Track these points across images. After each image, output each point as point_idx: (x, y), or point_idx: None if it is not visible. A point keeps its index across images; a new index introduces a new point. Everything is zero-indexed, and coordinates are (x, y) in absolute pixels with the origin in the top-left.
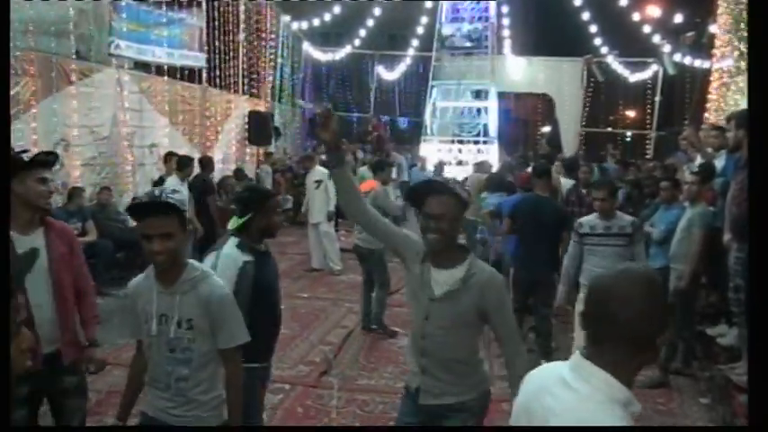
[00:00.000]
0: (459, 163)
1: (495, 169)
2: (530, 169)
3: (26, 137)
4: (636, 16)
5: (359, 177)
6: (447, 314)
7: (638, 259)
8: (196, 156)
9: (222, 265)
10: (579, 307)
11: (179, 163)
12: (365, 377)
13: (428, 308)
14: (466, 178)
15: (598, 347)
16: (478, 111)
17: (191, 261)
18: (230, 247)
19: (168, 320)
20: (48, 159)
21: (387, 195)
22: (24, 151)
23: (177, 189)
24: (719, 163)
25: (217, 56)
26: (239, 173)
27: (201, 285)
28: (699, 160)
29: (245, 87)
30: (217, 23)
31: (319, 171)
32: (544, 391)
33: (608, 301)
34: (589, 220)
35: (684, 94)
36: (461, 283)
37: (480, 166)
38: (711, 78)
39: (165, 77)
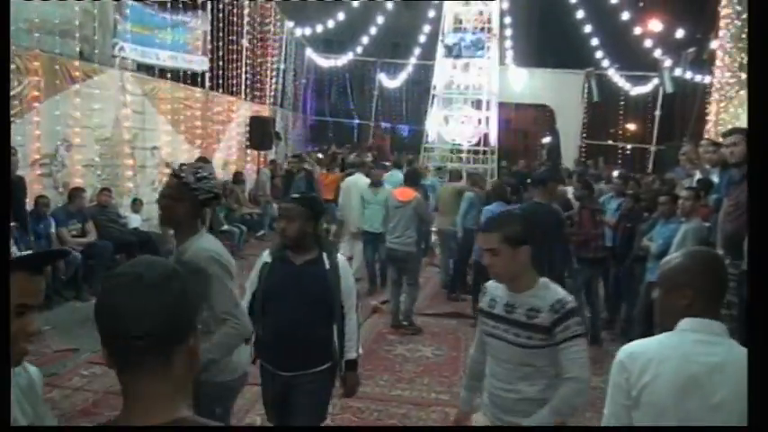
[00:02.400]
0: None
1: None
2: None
3: (28, 136)
4: (637, 31)
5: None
6: None
7: (568, 376)
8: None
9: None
10: None
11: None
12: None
13: None
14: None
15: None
16: (479, 120)
17: None
18: (268, 249)
19: None
20: None
21: (427, 206)
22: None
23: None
24: (716, 179)
25: (220, 60)
26: (238, 177)
27: None
28: (698, 176)
29: (248, 92)
30: (221, 27)
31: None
32: (688, 357)
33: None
34: (494, 287)
35: (685, 108)
36: None
37: (452, 175)
38: (711, 93)
39: (168, 80)
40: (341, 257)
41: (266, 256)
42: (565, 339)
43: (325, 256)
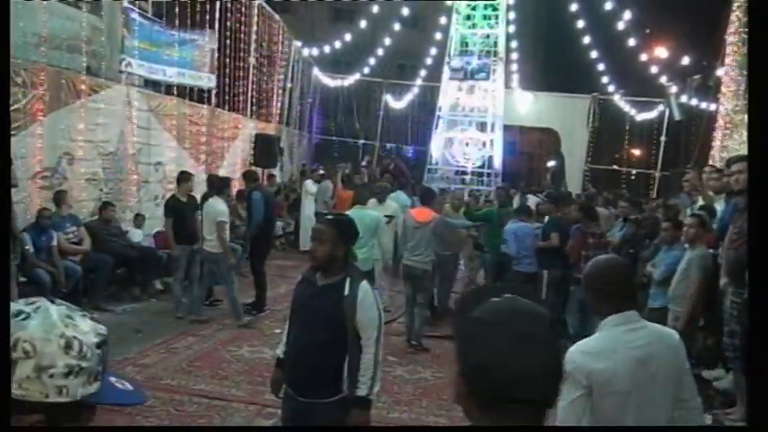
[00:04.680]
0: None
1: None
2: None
3: (32, 149)
4: (644, 57)
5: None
6: None
7: None
8: (201, 175)
9: None
10: None
11: (220, 183)
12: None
13: None
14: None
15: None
16: (483, 143)
17: None
18: None
19: None
20: None
21: (446, 225)
22: None
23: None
24: (720, 206)
25: (227, 78)
26: (241, 194)
27: None
28: (701, 202)
29: (254, 110)
30: (228, 45)
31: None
32: (627, 344)
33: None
34: None
35: (690, 135)
36: None
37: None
38: (717, 120)
39: (175, 97)
40: (365, 286)
41: (302, 274)
42: None
43: (348, 281)
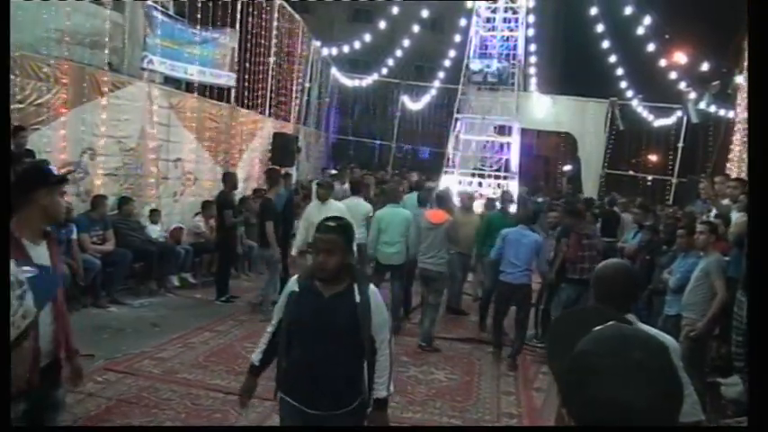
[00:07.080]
0: (480, 196)
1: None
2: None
3: (54, 144)
4: (662, 63)
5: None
6: None
7: None
8: (219, 172)
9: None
10: None
11: (359, 185)
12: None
13: None
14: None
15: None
16: (501, 146)
17: None
18: (296, 275)
19: None
20: (67, 177)
21: (458, 227)
22: (45, 161)
23: None
24: (736, 214)
25: (246, 76)
26: (258, 192)
27: None
28: (715, 210)
29: (272, 109)
30: (249, 45)
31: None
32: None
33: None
34: None
35: (708, 142)
36: None
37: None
38: (735, 128)
39: (195, 94)
40: (373, 289)
41: (293, 284)
42: None
43: (356, 287)
